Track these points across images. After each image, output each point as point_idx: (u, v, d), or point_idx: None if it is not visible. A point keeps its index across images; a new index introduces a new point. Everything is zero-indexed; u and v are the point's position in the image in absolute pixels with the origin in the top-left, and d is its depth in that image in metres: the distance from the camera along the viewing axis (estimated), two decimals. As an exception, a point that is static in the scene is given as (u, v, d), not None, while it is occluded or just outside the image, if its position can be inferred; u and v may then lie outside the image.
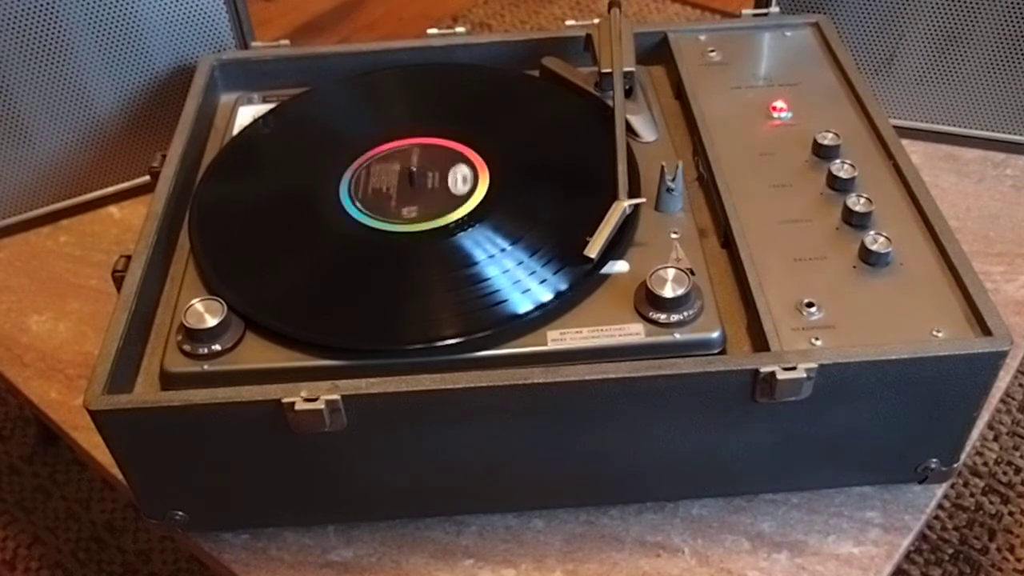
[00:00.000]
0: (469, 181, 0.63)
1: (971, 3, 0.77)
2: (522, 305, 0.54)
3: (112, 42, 0.77)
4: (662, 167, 0.60)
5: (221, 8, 0.81)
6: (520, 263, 0.57)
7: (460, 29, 0.78)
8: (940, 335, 0.52)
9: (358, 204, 0.62)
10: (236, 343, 0.54)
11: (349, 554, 0.58)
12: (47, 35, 0.75)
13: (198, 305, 0.54)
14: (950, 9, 0.78)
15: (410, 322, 0.55)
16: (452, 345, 0.53)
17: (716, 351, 0.53)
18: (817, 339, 0.52)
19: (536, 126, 0.69)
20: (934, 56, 0.81)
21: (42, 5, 0.73)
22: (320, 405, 0.49)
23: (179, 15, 0.79)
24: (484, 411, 0.52)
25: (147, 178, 0.83)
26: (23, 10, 0.73)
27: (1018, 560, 1.14)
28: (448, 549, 0.58)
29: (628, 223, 0.59)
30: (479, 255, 0.58)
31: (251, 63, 0.77)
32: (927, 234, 0.58)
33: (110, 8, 0.76)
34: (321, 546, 0.58)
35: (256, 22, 0.84)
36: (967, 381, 0.52)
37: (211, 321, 0.53)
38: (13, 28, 0.73)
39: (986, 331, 0.51)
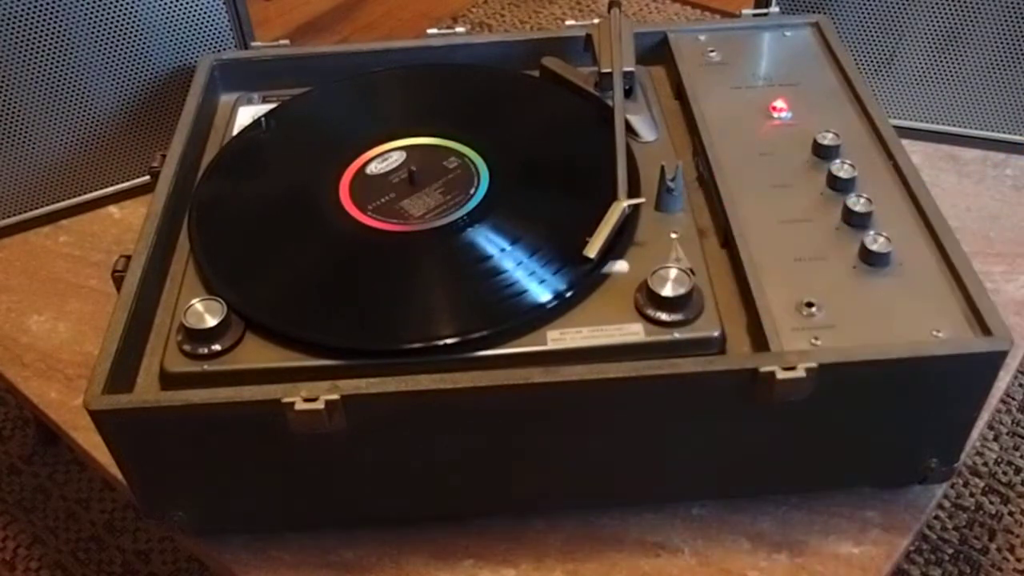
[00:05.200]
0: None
1: (971, 3, 0.77)
2: (522, 305, 0.54)
3: (112, 42, 0.77)
4: (662, 167, 0.60)
5: (221, 8, 0.81)
6: (520, 263, 0.57)
7: (460, 29, 0.78)
8: (940, 335, 0.52)
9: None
10: (236, 343, 0.54)
11: (349, 554, 0.58)
12: (47, 35, 0.75)
13: (198, 305, 0.54)
14: (950, 9, 0.78)
15: (410, 322, 0.54)
16: (451, 345, 0.53)
17: (716, 351, 0.53)
18: (817, 339, 0.52)
19: (536, 126, 0.69)
20: (934, 56, 0.81)
21: (42, 5, 0.73)
22: (320, 405, 0.49)
23: (179, 15, 0.79)
24: (484, 411, 0.52)
25: (147, 178, 0.83)
26: (23, 10, 0.73)
27: (1018, 560, 1.14)
28: (448, 549, 0.58)
29: (628, 223, 0.59)
30: (479, 255, 0.58)
31: (251, 63, 0.77)
32: (927, 234, 0.57)
33: (110, 8, 0.76)
34: (321, 546, 0.58)
35: (256, 22, 0.84)
36: (967, 381, 0.52)
37: (211, 321, 0.53)
38: (13, 28, 0.73)
39: (986, 331, 0.51)
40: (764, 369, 0.49)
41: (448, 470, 0.55)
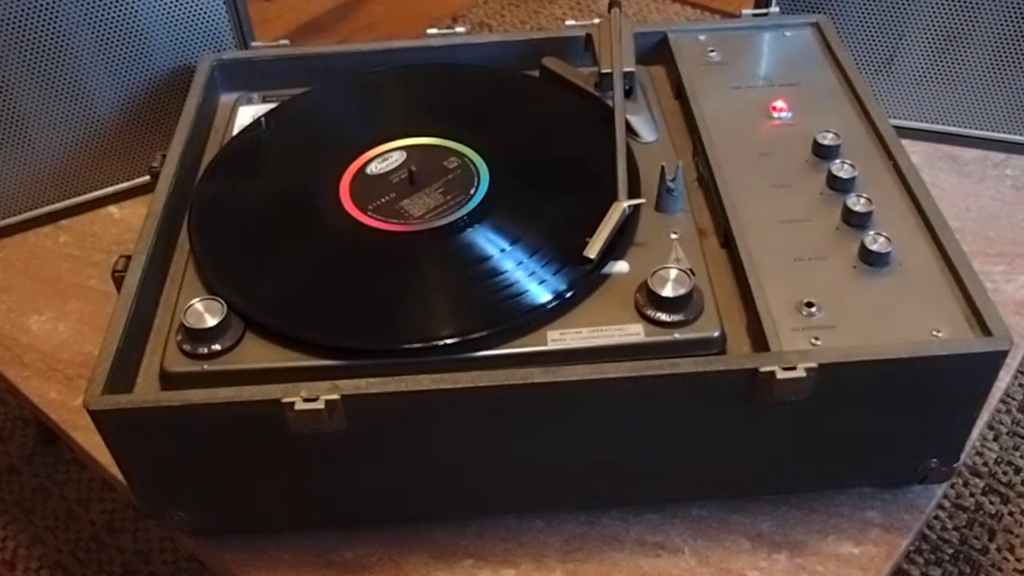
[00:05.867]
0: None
1: (971, 3, 0.77)
2: (522, 305, 0.54)
3: (112, 42, 0.77)
4: (662, 167, 0.60)
5: (221, 8, 0.81)
6: (520, 263, 0.57)
7: (460, 29, 0.78)
8: (940, 335, 0.52)
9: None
10: (236, 343, 0.54)
11: (349, 554, 0.58)
12: (47, 35, 0.75)
13: (198, 305, 0.54)
14: (950, 9, 0.78)
15: (409, 322, 0.54)
16: (452, 345, 0.53)
17: (716, 351, 0.53)
18: (817, 339, 0.52)
19: (536, 126, 0.69)
20: (934, 56, 0.81)
21: (42, 5, 0.73)
22: (320, 405, 0.49)
23: (179, 15, 0.79)
24: (484, 411, 0.52)
25: (147, 178, 0.83)
26: (23, 10, 0.73)
27: (1018, 560, 1.14)
28: (448, 549, 0.58)
29: (628, 223, 0.59)
30: (479, 256, 0.58)
31: (251, 63, 0.77)
32: (927, 234, 0.57)
33: (110, 8, 0.76)
34: (321, 546, 0.58)
35: (256, 22, 0.84)
36: (967, 381, 0.52)
37: (211, 321, 0.53)
38: (13, 28, 0.73)
39: (986, 331, 0.51)
40: (764, 369, 0.49)
41: (448, 470, 0.55)
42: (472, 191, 0.62)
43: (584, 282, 0.56)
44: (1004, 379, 0.62)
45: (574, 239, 0.57)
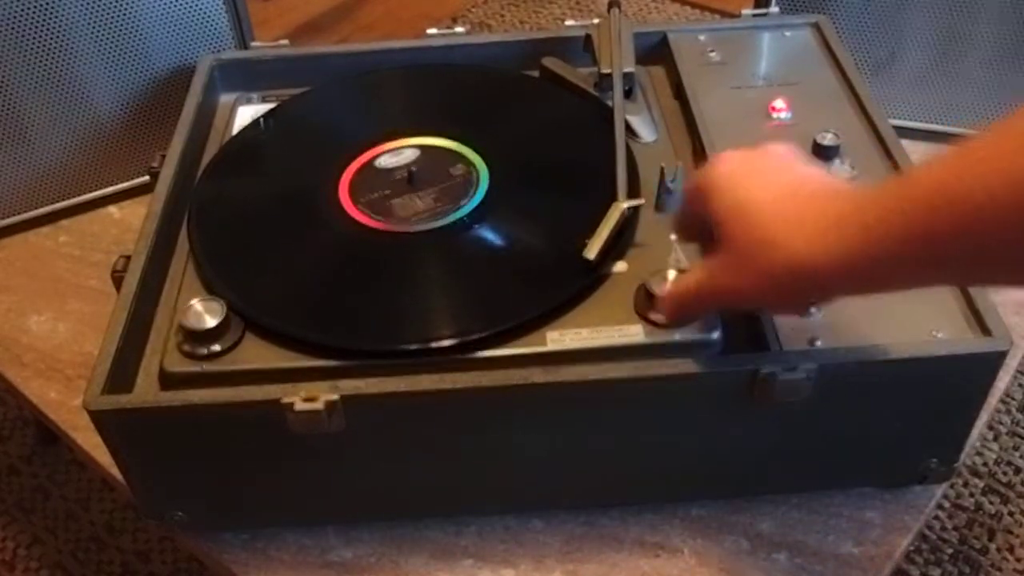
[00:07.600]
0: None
1: (971, 3, 0.77)
2: (521, 306, 0.54)
3: (112, 42, 0.77)
4: (662, 168, 0.60)
5: (221, 8, 0.81)
6: (519, 264, 0.57)
7: (460, 29, 0.78)
8: (940, 335, 0.52)
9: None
10: (236, 343, 0.54)
11: (349, 554, 0.58)
12: (47, 35, 0.75)
13: (198, 306, 0.54)
14: (950, 9, 0.78)
15: (409, 323, 0.54)
16: (451, 346, 0.53)
17: (716, 352, 0.53)
18: (817, 339, 0.52)
19: (536, 127, 0.69)
20: (934, 56, 0.81)
21: (42, 5, 0.73)
22: (319, 405, 0.49)
23: (179, 15, 0.79)
24: (484, 411, 0.52)
25: (147, 178, 0.83)
26: (23, 10, 0.73)
27: (1018, 560, 1.14)
28: (448, 549, 0.58)
29: (627, 224, 0.59)
30: (478, 256, 0.58)
31: (251, 63, 0.77)
32: (927, 234, 0.57)
33: (110, 8, 0.76)
34: (321, 546, 0.58)
35: (256, 22, 0.84)
36: (967, 381, 0.52)
37: (211, 322, 0.53)
38: (13, 28, 0.73)
39: (986, 331, 0.51)
40: (764, 370, 0.49)
41: (448, 470, 0.55)
42: (472, 191, 0.62)
43: (583, 283, 0.56)
44: (1004, 379, 0.62)
45: (573, 240, 0.56)
